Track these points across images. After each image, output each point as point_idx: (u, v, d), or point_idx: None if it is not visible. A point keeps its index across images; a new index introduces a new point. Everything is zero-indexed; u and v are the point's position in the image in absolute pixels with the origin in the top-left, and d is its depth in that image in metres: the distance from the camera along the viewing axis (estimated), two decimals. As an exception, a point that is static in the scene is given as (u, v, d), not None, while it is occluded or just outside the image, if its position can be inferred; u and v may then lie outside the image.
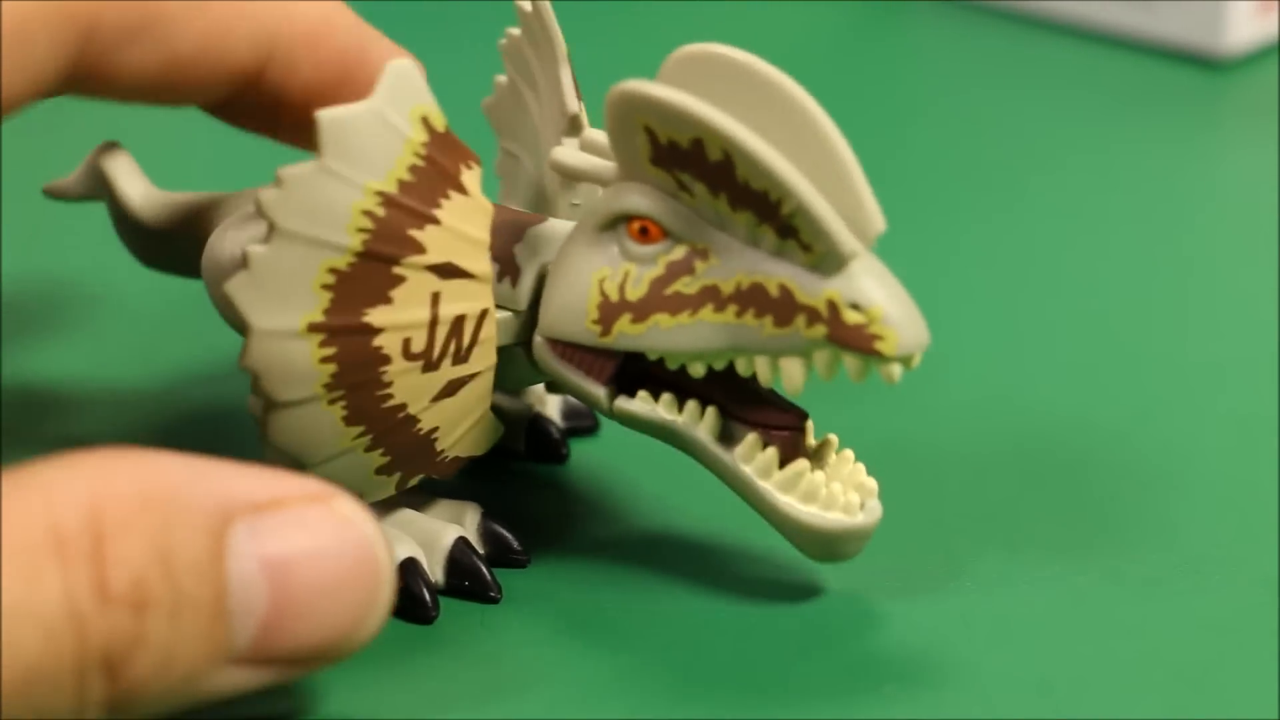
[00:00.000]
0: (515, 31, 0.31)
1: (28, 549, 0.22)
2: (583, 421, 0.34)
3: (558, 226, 0.29)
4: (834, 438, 0.28)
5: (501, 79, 0.32)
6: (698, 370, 0.27)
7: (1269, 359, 0.37)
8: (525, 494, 0.32)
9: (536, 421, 0.33)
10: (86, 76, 0.27)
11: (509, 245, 0.29)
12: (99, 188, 0.34)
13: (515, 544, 0.30)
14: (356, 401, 0.27)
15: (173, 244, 0.32)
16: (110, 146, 0.34)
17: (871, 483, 0.28)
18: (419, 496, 0.30)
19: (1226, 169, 0.48)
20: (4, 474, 0.22)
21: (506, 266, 0.29)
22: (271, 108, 0.29)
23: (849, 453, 0.28)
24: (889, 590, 0.29)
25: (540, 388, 0.33)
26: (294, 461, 0.28)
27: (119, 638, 0.22)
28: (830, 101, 0.49)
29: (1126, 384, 0.36)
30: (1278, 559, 0.30)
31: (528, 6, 0.30)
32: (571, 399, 0.33)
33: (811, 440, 0.28)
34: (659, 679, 0.27)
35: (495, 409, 0.32)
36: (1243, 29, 0.52)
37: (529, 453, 0.33)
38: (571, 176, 0.29)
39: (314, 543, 0.24)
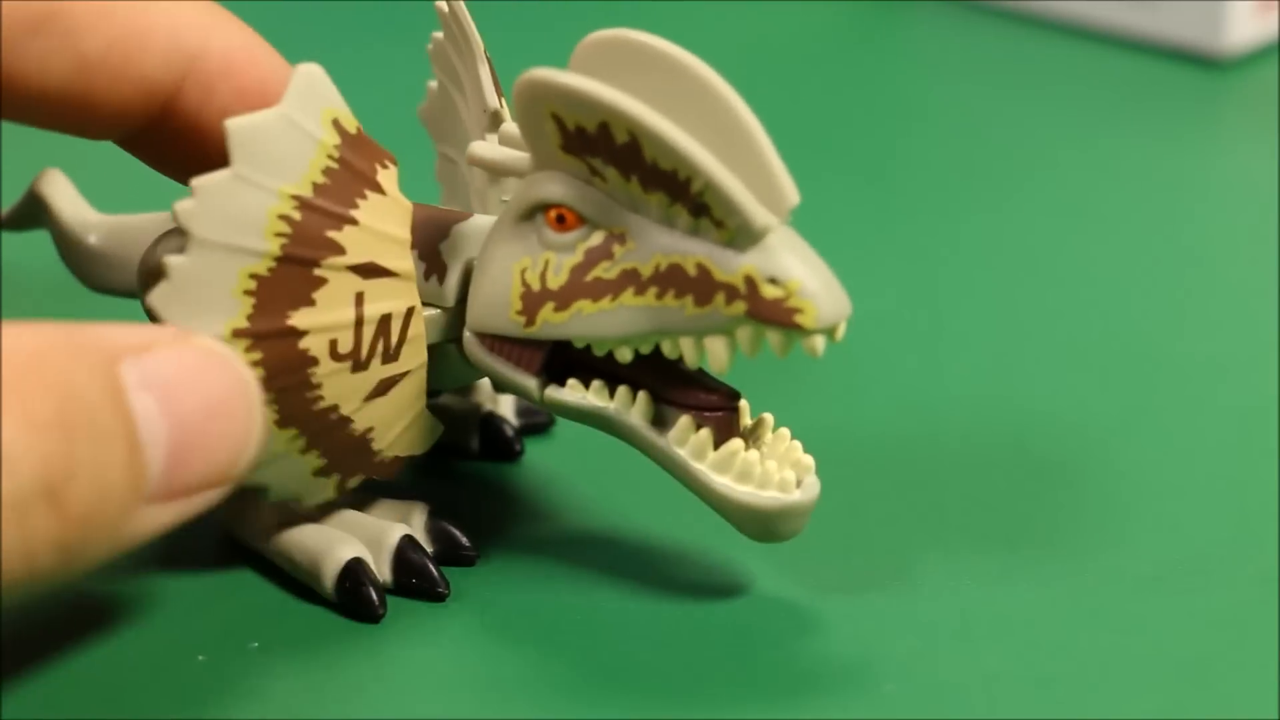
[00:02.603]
0: (439, 35, 0.31)
1: None
2: (536, 419, 0.33)
3: (481, 222, 0.29)
4: (769, 416, 0.28)
5: (433, 84, 0.32)
6: (624, 355, 0.27)
7: (1269, 356, 0.36)
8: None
9: (489, 420, 0.32)
10: None
11: (434, 243, 0.28)
12: (40, 215, 0.34)
13: (464, 541, 0.29)
14: (287, 404, 0.27)
15: (114, 265, 0.32)
16: (48, 173, 0.33)
17: (808, 459, 0.28)
18: (365, 498, 0.30)
19: (1226, 168, 0.47)
20: None
21: (433, 264, 0.28)
22: (189, 139, 0.29)
23: (785, 431, 0.28)
24: (889, 588, 0.29)
25: (490, 385, 0.32)
26: None
27: (54, 463, 0.22)
28: (830, 101, 0.50)
29: (1127, 381, 0.35)
30: (1278, 556, 0.29)
31: (445, 8, 0.30)
32: None
33: (748, 420, 0.28)
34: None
35: (446, 408, 0.32)
36: (1243, 28, 0.51)
37: (482, 451, 0.32)
38: (489, 169, 0.28)
39: (192, 372, 0.24)
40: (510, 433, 0.32)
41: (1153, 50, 0.52)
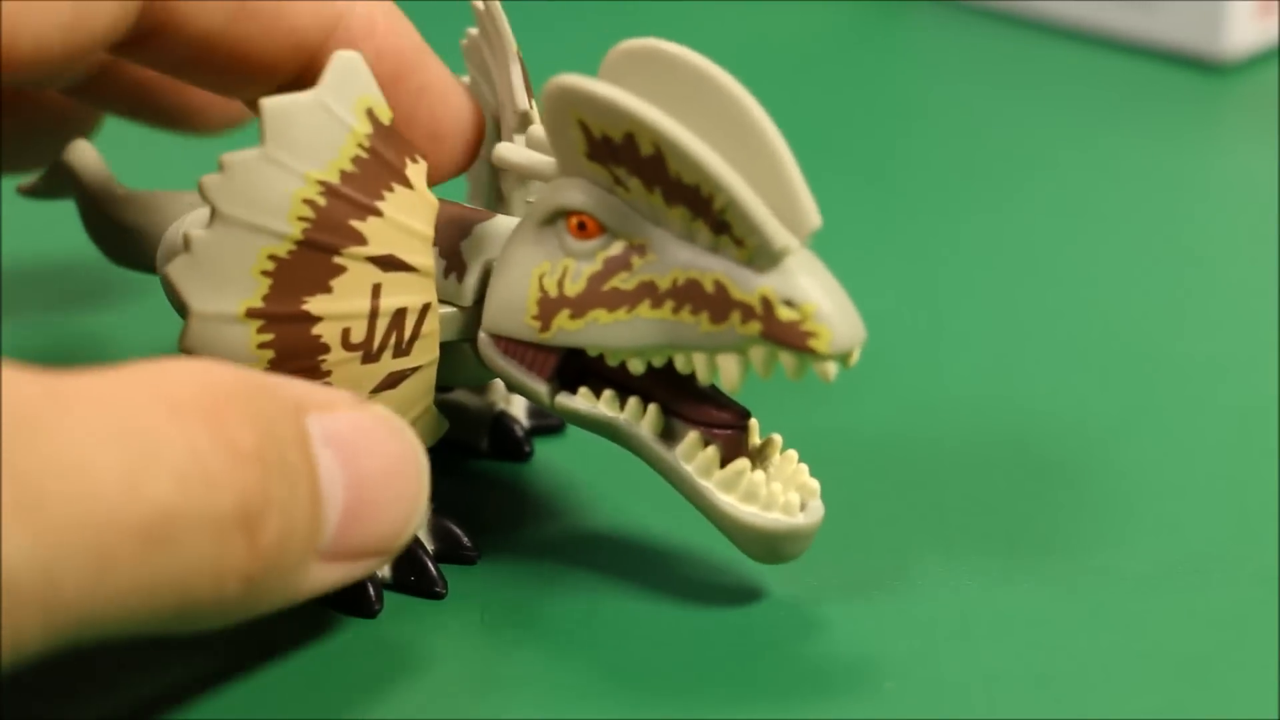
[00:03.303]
0: (474, 31, 0.31)
1: (140, 410, 0.22)
2: (548, 420, 0.33)
3: (504, 223, 0.28)
4: (778, 437, 0.28)
5: (465, 80, 0.32)
6: (636, 367, 0.27)
7: (1268, 357, 0.36)
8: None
9: (500, 419, 0.32)
10: (153, 22, 0.27)
11: (456, 241, 0.28)
12: (68, 185, 0.34)
13: (465, 540, 0.29)
14: None
15: (138, 239, 0.32)
16: (77, 143, 0.33)
17: (814, 483, 0.27)
18: None
19: (1226, 171, 0.47)
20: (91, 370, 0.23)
21: (453, 262, 0.28)
22: None
23: (793, 453, 0.28)
24: (889, 588, 0.29)
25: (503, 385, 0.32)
26: None
27: (251, 494, 0.23)
28: (830, 101, 0.50)
29: (1127, 382, 0.35)
30: (1278, 555, 0.29)
31: (481, 5, 0.30)
32: None
33: (756, 440, 0.28)
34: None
35: (458, 405, 0.31)
36: (1242, 32, 0.51)
37: (492, 450, 0.32)
38: (515, 171, 0.28)
39: (371, 436, 0.25)
40: (521, 433, 0.32)
41: (1152, 53, 0.52)
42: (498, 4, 0.29)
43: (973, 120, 0.49)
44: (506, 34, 0.29)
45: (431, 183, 0.29)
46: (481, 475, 0.32)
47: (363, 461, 0.24)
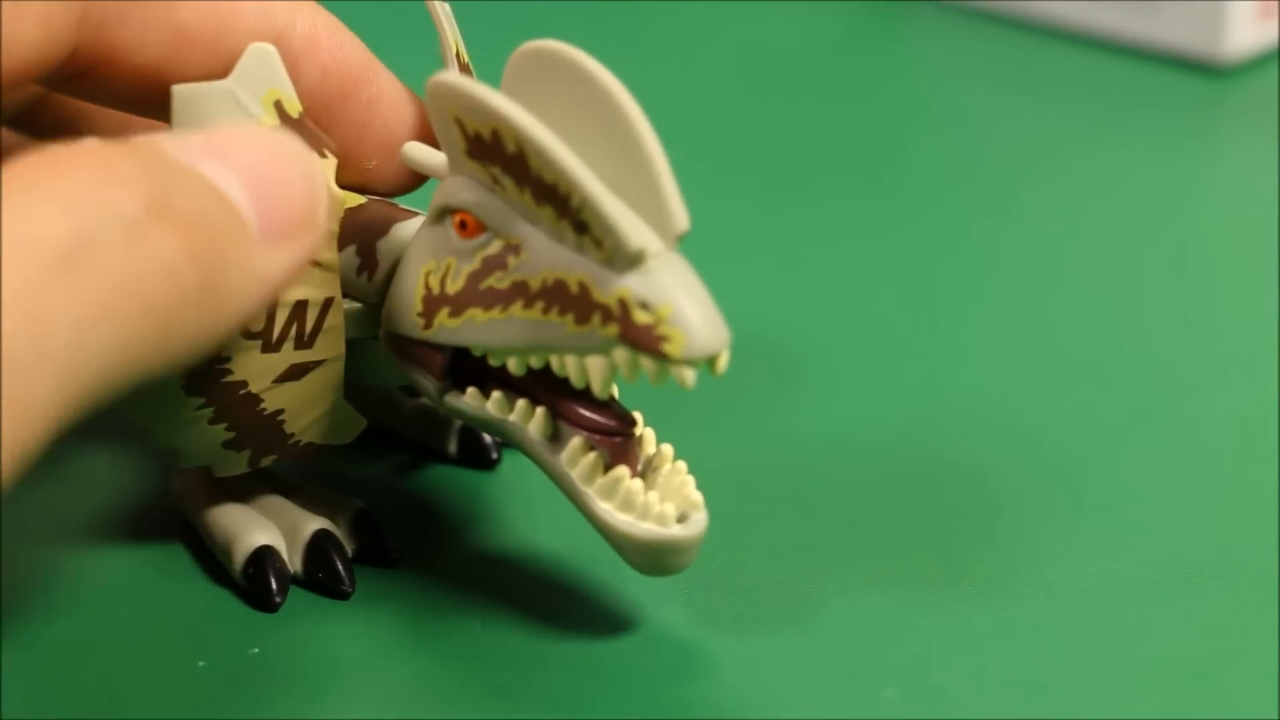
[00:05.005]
0: None
1: (30, 168, 0.22)
2: None
3: (418, 223, 0.28)
4: (668, 448, 0.27)
5: None
6: (516, 367, 0.26)
7: (1269, 362, 0.36)
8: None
9: (469, 426, 0.31)
10: (92, 57, 0.27)
11: (373, 240, 0.28)
12: None
13: (389, 543, 0.29)
14: (194, 372, 0.27)
15: None
16: None
17: (696, 496, 0.26)
18: (303, 486, 0.29)
19: (1227, 175, 0.46)
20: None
21: (367, 260, 0.28)
22: None
23: (681, 464, 0.27)
24: (890, 593, 0.28)
25: None
26: (144, 429, 0.27)
27: (150, 186, 0.22)
28: (829, 104, 0.49)
29: (1127, 387, 0.35)
30: (1277, 562, 0.29)
31: (430, 7, 0.29)
32: None
33: (650, 449, 0.27)
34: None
35: (426, 410, 0.32)
36: (1243, 34, 0.50)
37: (459, 457, 0.32)
38: (418, 171, 0.28)
39: (231, 137, 0.24)
40: (488, 440, 0.31)
41: (1153, 56, 0.51)
42: (435, 5, 0.29)
43: (972, 123, 0.48)
44: (443, 34, 0.29)
45: (393, 194, 0.29)
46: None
47: (238, 155, 0.24)
